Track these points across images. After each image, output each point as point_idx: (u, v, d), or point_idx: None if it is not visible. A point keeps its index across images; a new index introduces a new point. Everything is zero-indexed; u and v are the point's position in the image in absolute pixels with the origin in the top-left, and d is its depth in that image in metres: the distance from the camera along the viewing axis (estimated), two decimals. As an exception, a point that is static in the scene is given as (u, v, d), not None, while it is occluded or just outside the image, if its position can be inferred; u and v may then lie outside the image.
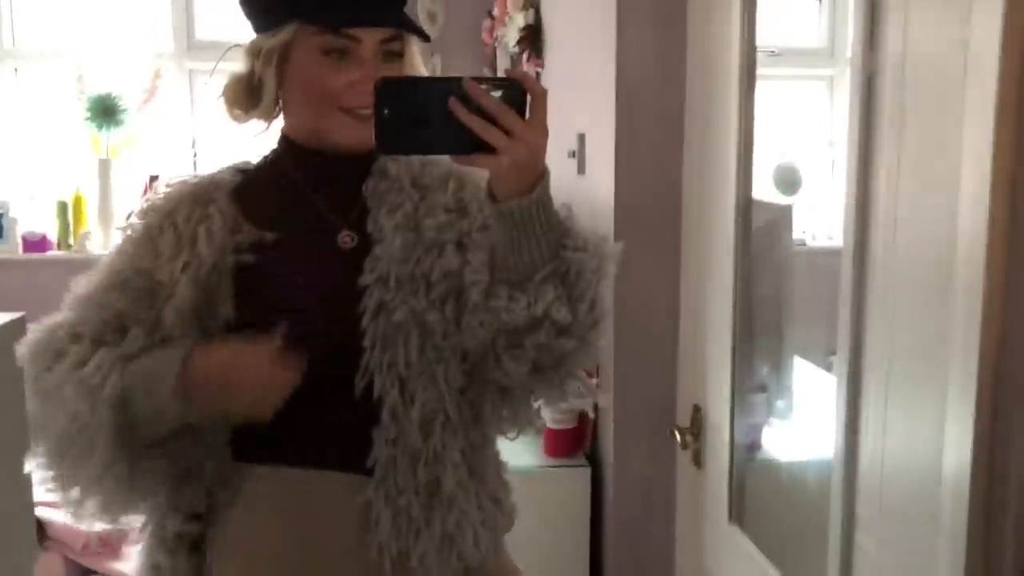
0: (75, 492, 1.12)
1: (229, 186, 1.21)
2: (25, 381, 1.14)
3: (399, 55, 1.15)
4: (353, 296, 1.14)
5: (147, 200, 1.21)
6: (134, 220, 1.20)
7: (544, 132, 1.00)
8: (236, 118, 1.21)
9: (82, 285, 1.18)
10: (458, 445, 1.17)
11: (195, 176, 1.23)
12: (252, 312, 1.14)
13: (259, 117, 1.20)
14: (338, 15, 1.11)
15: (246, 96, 1.19)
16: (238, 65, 1.19)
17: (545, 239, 1.04)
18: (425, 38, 1.17)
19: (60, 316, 1.16)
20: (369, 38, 1.11)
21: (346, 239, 1.18)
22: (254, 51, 1.16)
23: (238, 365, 1.08)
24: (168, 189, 1.22)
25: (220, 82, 1.21)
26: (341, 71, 1.12)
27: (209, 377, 1.08)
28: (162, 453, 1.15)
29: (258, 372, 1.06)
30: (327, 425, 1.15)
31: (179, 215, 1.17)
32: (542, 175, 1.02)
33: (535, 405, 1.22)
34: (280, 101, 1.19)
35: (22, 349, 1.15)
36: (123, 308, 1.14)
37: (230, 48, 1.22)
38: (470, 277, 1.10)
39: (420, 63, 1.18)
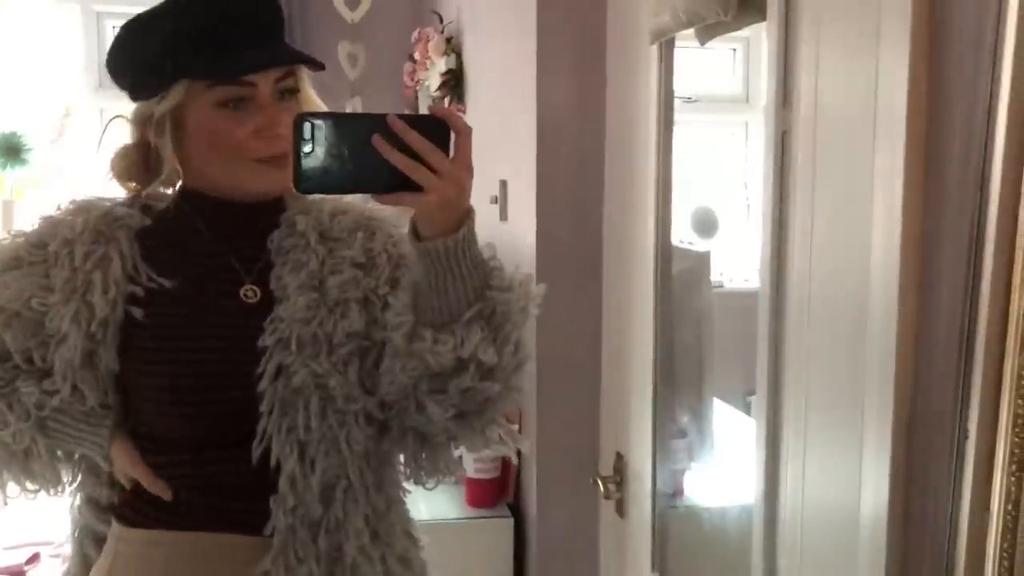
0: None
1: (135, 227, 1.15)
2: None
3: (294, 91, 1.12)
4: (252, 358, 1.10)
5: (49, 216, 1.15)
6: (33, 226, 1.15)
7: (469, 170, 0.98)
8: (131, 191, 1.16)
9: None
10: (360, 511, 1.13)
11: (106, 201, 1.17)
12: (138, 370, 1.11)
13: (163, 186, 1.16)
14: (229, 65, 1.07)
15: (140, 167, 1.14)
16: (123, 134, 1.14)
17: (470, 279, 1.02)
18: (319, 67, 1.14)
19: None
20: (264, 81, 1.08)
21: (249, 293, 1.14)
22: (142, 119, 1.12)
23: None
24: (72, 209, 1.15)
25: (111, 144, 1.16)
26: (243, 121, 1.08)
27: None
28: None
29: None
30: (223, 489, 1.11)
31: (78, 249, 1.11)
32: (467, 213, 1.00)
33: (456, 453, 1.20)
34: (184, 162, 1.13)
35: None
36: (10, 343, 1.12)
37: (113, 119, 1.17)
38: (393, 320, 1.07)
39: (315, 95, 1.16)
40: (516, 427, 1.22)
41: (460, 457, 1.22)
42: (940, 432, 0.85)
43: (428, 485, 1.23)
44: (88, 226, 1.13)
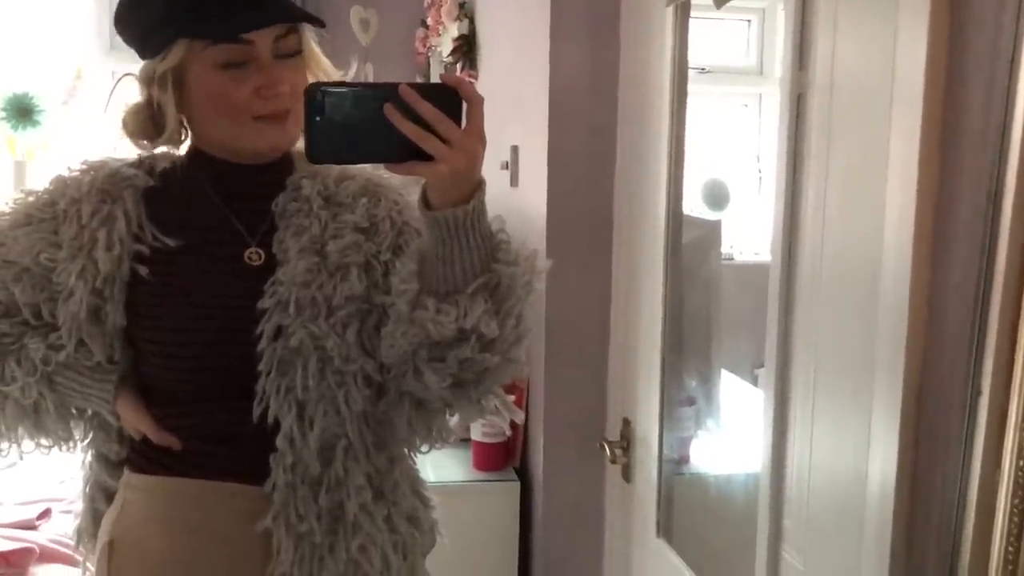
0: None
1: (141, 186, 1.17)
2: None
3: (296, 52, 1.12)
4: (252, 318, 1.11)
5: (60, 176, 1.17)
6: (40, 193, 1.17)
7: (482, 140, 0.97)
8: (142, 148, 1.17)
9: None
10: (362, 469, 1.15)
11: (115, 161, 1.18)
12: (143, 326, 1.13)
13: (166, 144, 1.16)
14: (226, 25, 1.07)
15: (149, 125, 1.14)
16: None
17: (478, 250, 1.02)
18: (319, 24, 1.13)
19: None
20: (263, 40, 1.08)
21: (253, 256, 1.15)
22: (147, 78, 1.12)
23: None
24: (82, 168, 1.17)
25: (120, 104, 1.16)
26: (243, 81, 1.08)
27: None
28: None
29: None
30: (226, 439, 1.13)
31: (85, 207, 1.13)
32: (479, 185, 1.00)
33: (450, 420, 1.21)
34: (184, 123, 1.15)
35: None
36: (19, 297, 1.13)
37: (122, 77, 1.18)
38: (398, 287, 1.07)
39: (320, 55, 1.16)
40: (512, 398, 1.22)
41: (453, 423, 1.22)
42: (951, 393, 0.86)
43: (422, 450, 1.25)
44: (95, 185, 1.15)
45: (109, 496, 1.22)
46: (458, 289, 1.03)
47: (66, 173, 1.17)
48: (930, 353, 0.91)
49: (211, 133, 1.14)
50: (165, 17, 1.08)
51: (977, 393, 0.79)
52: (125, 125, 1.16)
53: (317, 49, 1.16)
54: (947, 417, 0.86)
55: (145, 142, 1.16)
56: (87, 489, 1.26)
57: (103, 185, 1.15)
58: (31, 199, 1.17)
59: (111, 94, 1.20)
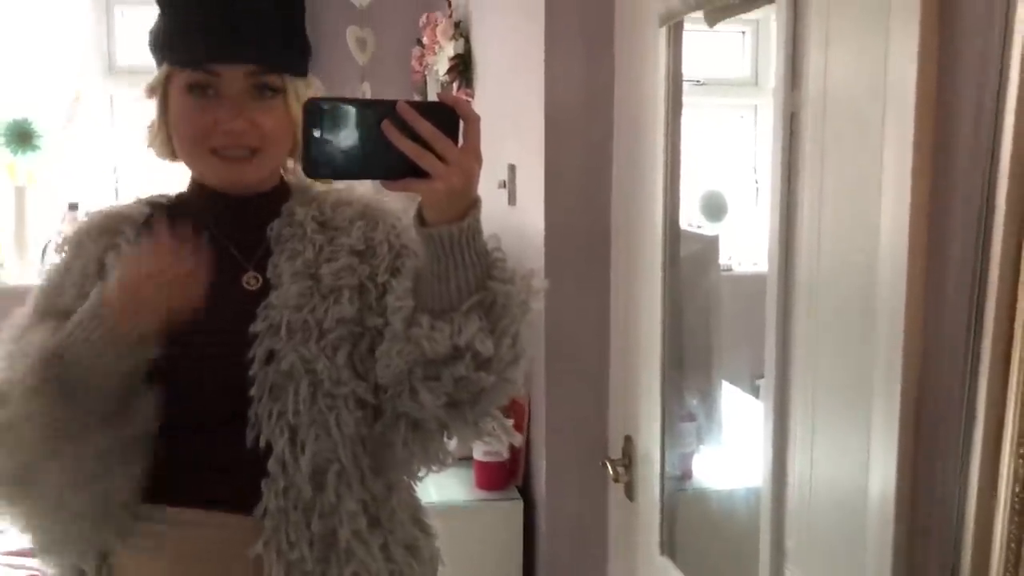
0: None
1: (139, 219, 1.20)
2: None
3: (277, 89, 1.12)
4: (246, 342, 1.12)
5: (61, 235, 1.24)
6: (53, 257, 1.22)
7: (478, 158, 0.98)
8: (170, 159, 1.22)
9: (15, 323, 1.17)
10: (355, 495, 1.14)
11: (111, 207, 1.23)
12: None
13: (160, 155, 1.20)
14: (196, 53, 1.10)
15: (151, 135, 1.20)
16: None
17: (473, 268, 1.02)
18: (297, 73, 1.14)
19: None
20: (231, 73, 1.10)
21: (251, 280, 1.17)
22: (148, 90, 1.18)
23: (145, 273, 1.05)
24: (83, 219, 1.23)
25: (139, 109, 1.23)
26: (206, 110, 1.10)
27: (129, 289, 1.05)
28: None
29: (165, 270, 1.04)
30: (218, 467, 1.13)
31: (88, 244, 1.19)
32: (474, 203, 1.01)
33: (447, 443, 1.20)
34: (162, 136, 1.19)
35: None
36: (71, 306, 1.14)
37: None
38: (393, 304, 1.08)
39: (304, 95, 1.13)
40: (511, 421, 1.21)
41: (450, 446, 1.21)
42: (948, 413, 0.86)
43: (419, 475, 1.23)
44: (93, 223, 1.21)
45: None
46: (453, 307, 1.03)
47: (67, 227, 1.24)
48: (926, 367, 0.91)
49: (181, 157, 1.18)
50: (161, 35, 1.15)
51: (972, 416, 0.79)
52: (148, 127, 1.21)
53: (304, 87, 1.15)
54: (945, 432, 0.86)
55: (152, 150, 1.21)
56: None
57: (102, 223, 1.20)
58: (48, 267, 1.23)
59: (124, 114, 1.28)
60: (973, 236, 0.81)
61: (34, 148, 3.49)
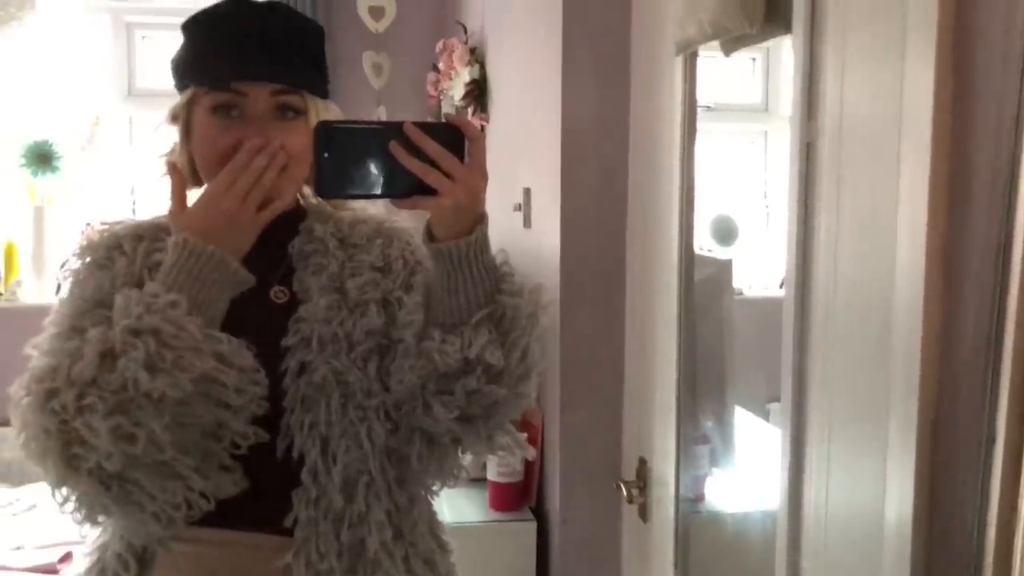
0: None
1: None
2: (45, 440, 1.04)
3: (299, 110, 1.14)
4: (276, 355, 1.14)
5: (84, 239, 1.19)
6: (74, 261, 1.16)
7: (483, 175, 1.02)
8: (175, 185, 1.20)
9: (52, 330, 1.10)
10: (383, 506, 1.16)
11: (139, 219, 1.22)
12: None
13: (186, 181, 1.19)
14: (222, 72, 1.11)
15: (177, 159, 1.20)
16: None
17: (481, 282, 1.05)
18: (319, 94, 1.16)
19: (43, 362, 1.06)
20: (257, 93, 1.11)
21: (279, 294, 1.18)
22: (170, 116, 1.18)
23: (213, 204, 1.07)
24: (107, 226, 1.19)
25: (159, 133, 1.22)
26: (229, 130, 1.11)
27: (198, 223, 1.07)
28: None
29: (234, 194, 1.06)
30: (248, 484, 1.12)
31: (126, 246, 1.16)
32: (481, 218, 1.04)
33: (461, 458, 1.22)
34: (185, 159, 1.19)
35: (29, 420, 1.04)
36: None
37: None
38: (404, 319, 1.10)
39: (327, 117, 1.15)
40: (524, 436, 1.23)
41: (465, 461, 1.23)
42: (966, 436, 0.86)
43: (434, 488, 1.25)
44: (129, 231, 1.18)
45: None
46: (463, 320, 1.06)
47: (89, 234, 1.20)
48: (944, 393, 0.92)
49: (203, 177, 1.17)
50: (185, 60, 1.15)
51: (991, 438, 0.80)
52: (166, 163, 1.20)
53: (324, 109, 1.16)
54: (964, 457, 0.87)
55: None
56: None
57: (136, 231, 1.18)
58: (77, 266, 1.16)
59: (157, 127, 1.24)
60: (991, 261, 0.82)
61: (54, 169, 3.54)
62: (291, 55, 1.15)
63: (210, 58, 1.12)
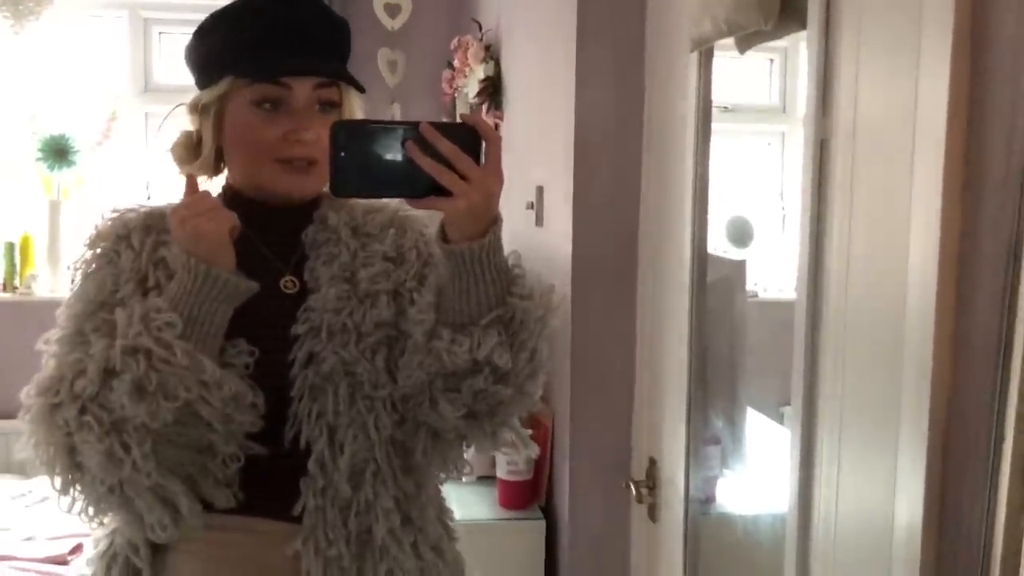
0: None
1: None
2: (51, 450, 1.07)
3: (336, 104, 1.16)
4: (286, 345, 1.14)
5: (94, 230, 1.19)
6: (86, 253, 1.17)
7: (499, 177, 1.01)
8: (183, 172, 1.21)
9: (60, 333, 1.12)
10: (390, 493, 1.17)
11: (147, 208, 1.21)
12: None
13: (200, 172, 1.20)
14: (269, 68, 1.12)
15: (189, 151, 1.20)
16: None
17: (493, 284, 1.05)
18: (359, 88, 1.18)
19: (50, 372, 1.09)
20: (301, 86, 1.12)
21: (289, 283, 1.19)
22: (193, 107, 1.18)
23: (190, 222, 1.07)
24: (115, 215, 1.19)
25: (172, 130, 1.22)
26: (274, 122, 1.13)
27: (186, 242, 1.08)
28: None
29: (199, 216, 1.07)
30: (256, 472, 1.14)
31: (134, 239, 1.16)
32: (495, 220, 1.04)
33: (465, 452, 1.23)
34: (223, 155, 1.19)
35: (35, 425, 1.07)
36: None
37: (178, 106, 1.22)
38: (415, 317, 1.11)
39: (359, 112, 1.19)
40: (529, 432, 1.23)
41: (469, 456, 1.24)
42: (976, 438, 0.86)
43: (438, 480, 1.26)
44: (139, 222, 1.18)
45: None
46: (473, 321, 1.06)
47: (99, 224, 1.19)
48: (955, 395, 0.91)
49: (236, 168, 1.19)
50: (220, 52, 1.15)
51: (1001, 439, 0.79)
52: (172, 149, 1.21)
53: (358, 104, 1.19)
54: (973, 460, 0.86)
55: (186, 167, 1.20)
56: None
57: (144, 221, 1.18)
58: (88, 256, 1.17)
59: (164, 119, 1.25)
60: (1003, 263, 0.82)
61: (70, 164, 3.56)
62: (332, 49, 1.17)
63: (253, 50, 1.12)
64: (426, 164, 0.97)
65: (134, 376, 1.02)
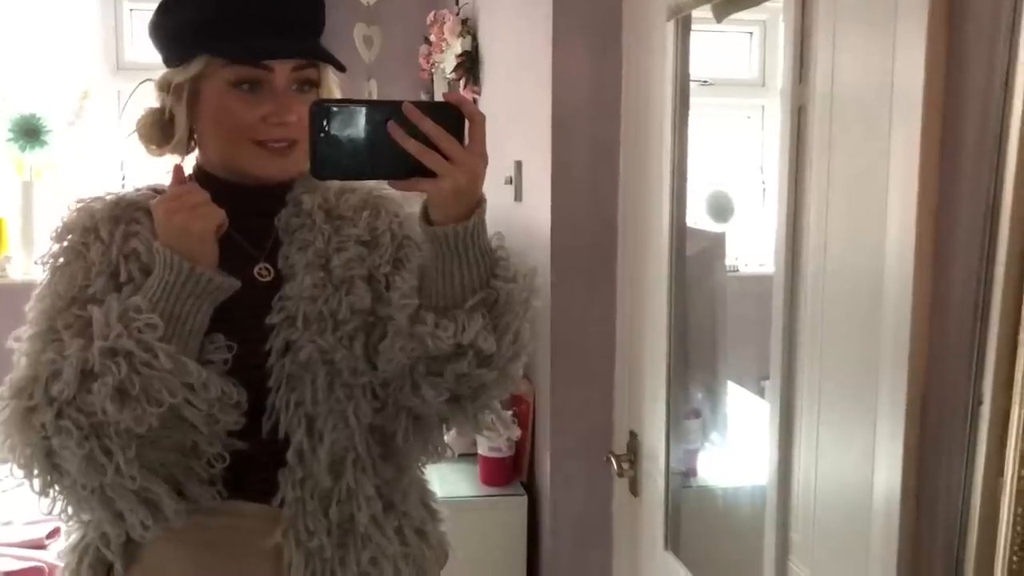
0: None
1: (148, 207, 1.15)
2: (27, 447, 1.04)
3: (314, 84, 1.13)
4: (261, 335, 1.12)
5: (60, 222, 1.15)
6: (53, 247, 1.14)
7: (483, 158, 0.99)
8: (151, 153, 1.18)
9: (31, 330, 1.08)
10: (371, 480, 1.15)
11: (117, 195, 1.17)
12: None
13: (172, 152, 1.17)
14: (247, 48, 1.09)
15: (159, 131, 1.16)
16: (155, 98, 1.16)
17: (476, 266, 1.03)
18: (340, 68, 1.15)
19: (23, 372, 1.06)
20: (281, 68, 1.10)
21: (263, 271, 1.16)
22: (164, 86, 1.14)
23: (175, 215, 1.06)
24: (80, 205, 1.15)
25: (138, 109, 1.18)
26: (253, 104, 1.10)
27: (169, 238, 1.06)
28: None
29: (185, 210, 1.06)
30: (235, 464, 1.11)
31: (102, 231, 1.12)
32: (479, 202, 1.01)
33: (446, 434, 1.22)
34: (194, 135, 1.16)
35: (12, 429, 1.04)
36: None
37: (143, 82, 1.18)
38: (398, 302, 1.08)
39: (336, 91, 1.17)
40: (509, 414, 1.22)
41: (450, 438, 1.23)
42: (954, 405, 0.86)
43: (419, 465, 1.25)
44: (105, 213, 1.13)
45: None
46: (457, 304, 1.04)
47: (65, 216, 1.15)
48: (933, 362, 0.91)
49: (212, 149, 1.15)
50: (193, 29, 1.10)
51: (979, 402, 0.79)
52: (138, 128, 1.17)
53: (335, 82, 1.17)
54: (950, 426, 0.87)
55: (153, 147, 1.17)
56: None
57: (112, 211, 1.14)
58: (55, 250, 1.13)
59: (129, 95, 1.21)
60: (979, 232, 0.82)
61: (42, 144, 3.51)
62: (309, 25, 1.14)
63: (236, 31, 1.09)
64: (409, 145, 0.94)
65: (115, 380, 0.99)
